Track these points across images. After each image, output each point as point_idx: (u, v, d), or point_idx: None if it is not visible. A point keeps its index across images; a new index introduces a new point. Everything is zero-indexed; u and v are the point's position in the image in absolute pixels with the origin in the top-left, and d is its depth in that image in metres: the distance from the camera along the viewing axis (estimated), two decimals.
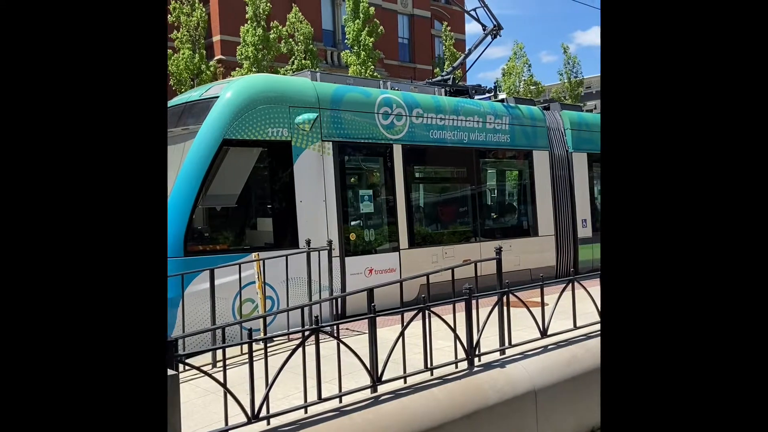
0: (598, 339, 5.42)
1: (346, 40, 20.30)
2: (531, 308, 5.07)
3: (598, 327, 5.61)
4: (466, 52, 12.72)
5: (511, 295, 5.00)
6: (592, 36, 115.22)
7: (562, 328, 5.37)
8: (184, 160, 6.65)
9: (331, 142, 7.66)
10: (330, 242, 6.61)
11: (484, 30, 11.49)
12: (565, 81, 34.18)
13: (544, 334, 5.16)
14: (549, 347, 5.11)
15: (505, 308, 4.97)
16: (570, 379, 4.87)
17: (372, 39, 19.02)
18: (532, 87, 30.94)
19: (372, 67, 19.27)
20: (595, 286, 5.76)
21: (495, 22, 11.34)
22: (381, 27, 19.70)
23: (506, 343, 4.97)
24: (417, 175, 9.43)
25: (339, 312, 7.24)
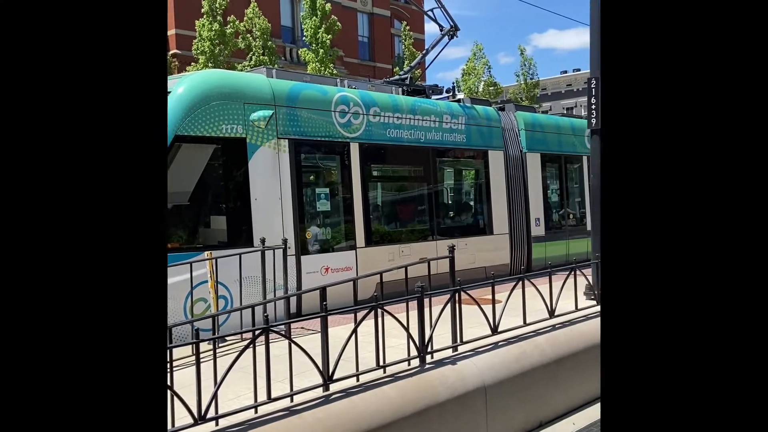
0: (547, 335, 5.57)
1: (304, 37, 20.16)
2: (483, 305, 5.16)
3: (546, 323, 5.75)
4: (423, 52, 12.81)
5: (463, 293, 5.07)
6: (548, 39, 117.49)
7: (512, 324, 5.47)
8: None
9: (287, 140, 7.61)
10: (285, 241, 6.57)
11: (441, 30, 11.59)
12: (522, 82, 34.79)
13: (494, 330, 5.26)
14: (499, 344, 5.20)
15: (457, 306, 5.04)
16: (519, 375, 4.98)
17: (330, 36, 18.94)
18: (491, 88, 31.34)
19: (331, 65, 19.20)
20: (544, 284, 5.90)
21: (452, 23, 11.45)
22: (338, 24, 19.63)
23: (458, 340, 5.04)
24: (374, 173, 9.46)
25: (296, 311, 7.21)
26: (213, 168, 7.47)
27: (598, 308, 6.56)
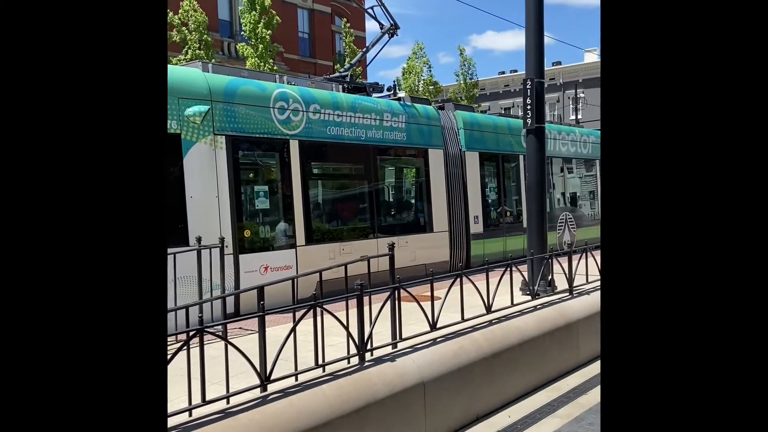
0: (484, 330, 5.68)
1: (243, 32, 19.76)
2: (422, 302, 5.20)
3: (483, 319, 5.87)
4: (364, 50, 12.80)
5: (403, 290, 5.10)
6: (487, 40, 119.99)
7: (451, 321, 5.55)
8: None
9: (224, 136, 7.44)
10: (222, 239, 6.42)
11: (381, 29, 11.63)
12: (461, 82, 35.37)
13: (433, 327, 5.32)
14: (438, 340, 5.27)
15: (396, 303, 5.07)
16: (457, 370, 5.06)
17: (269, 32, 18.64)
18: (431, 87, 31.68)
19: (271, 60, 18.90)
20: (481, 281, 6.02)
21: (392, 22, 11.50)
22: (278, 19, 19.34)
23: (397, 338, 5.07)
24: (314, 171, 9.39)
25: (234, 311, 7.07)
26: None
27: (533, 303, 6.75)
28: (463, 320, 5.66)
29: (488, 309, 5.98)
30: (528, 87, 8.10)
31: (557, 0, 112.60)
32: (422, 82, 28.77)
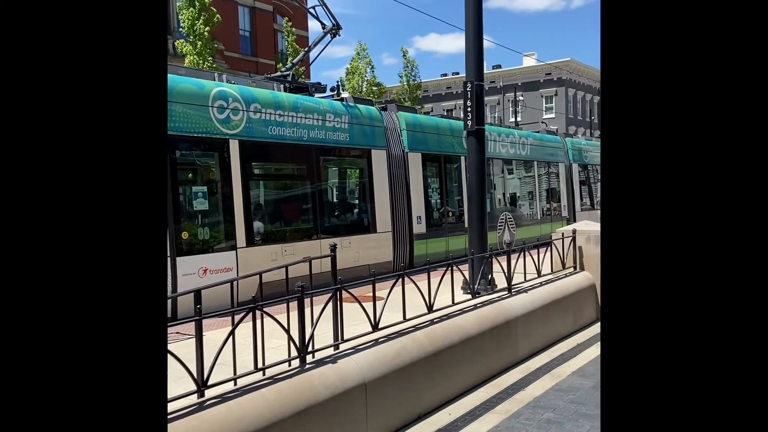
0: (425, 330, 5.73)
1: (181, 29, 19.24)
2: (364, 303, 5.20)
3: (425, 318, 5.93)
4: (306, 49, 12.70)
5: (345, 291, 5.09)
6: (430, 42, 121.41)
7: (393, 320, 5.58)
8: None
9: None
10: None
11: (323, 29, 11.57)
12: (405, 83, 35.66)
13: (375, 327, 5.33)
14: (380, 340, 5.28)
15: (338, 304, 5.05)
16: (398, 370, 5.09)
17: (208, 29, 18.23)
18: (374, 88, 31.77)
19: (210, 58, 18.49)
20: (423, 281, 6.08)
21: (334, 22, 11.47)
22: (218, 16, 18.94)
23: (339, 339, 5.05)
24: (255, 171, 9.24)
25: (171, 315, 6.86)
26: None
27: (473, 302, 6.87)
28: (405, 320, 5.70)
29: (430, 308, 6.05)
30: (468, 89, 8.24)
31: (497, 4, 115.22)
32: (366, 82, 28.84)
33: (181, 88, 7.63)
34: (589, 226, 9.48)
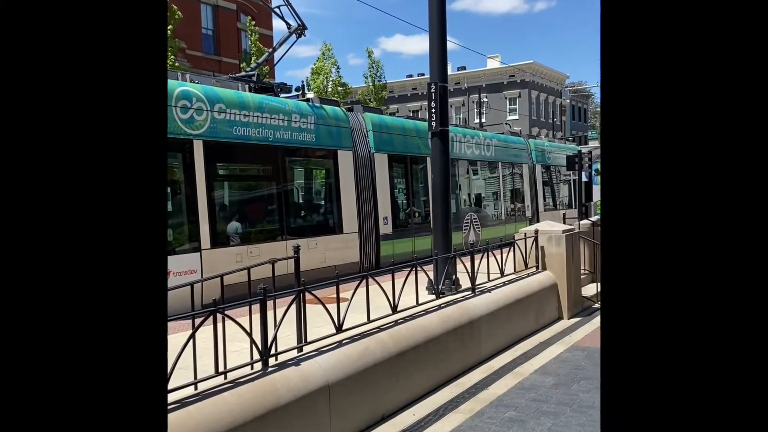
0: (389, 331, 5.75)
1: None
2: (328, 305, 5.19)
3: (389, 319, 5.95)
4: (270, 49, 12.60)
5: (308, 293, 5.07)
6: (395, 43, 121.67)
7: (357, 322, 5.58)
8: None
9: None
10: None
11: (288, 28, 11.50)
12: (370, 84, 35.69)
13: (339, 329, 5.32)
14: (344, 342, 5.28)
15: (302, 306, 5.02)
16: (362, 371, 5.09)
17: (170, 26, 17.92)
18: (340, 88, 31.69)
19: (173, 57, 18.18)
20: (388, 281, 6.10)
21: (299, 22, 11.41)
22: (179, 14, 18.64)
23: (303, 341, 5.03)
24: (220, 172, 9.13)
25: None
26: None
27: (437, 302, 6.92)
28: (369, 321, 5.71)
29: (394, 309, 6.07)
30: (432, 91, 8.30)
31: (462, 6, 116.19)
32: (331, 83, 28.77)
33: None
34: (551, 227, 9.65)
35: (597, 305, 9.84)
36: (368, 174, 11.35)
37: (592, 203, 16.16)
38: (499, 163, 17.04)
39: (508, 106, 51.55)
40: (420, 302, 6.56)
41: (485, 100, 43.92)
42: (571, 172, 19.44)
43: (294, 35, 11.52)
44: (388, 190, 11.91)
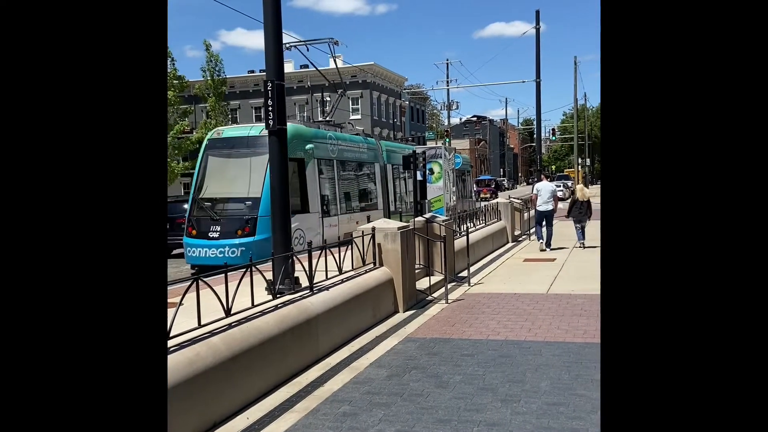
0: (222, 335, 5.57)
1: None
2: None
3: (222, 322, 5.75)
4: None
5: None
6: (236, 37, 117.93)
7: (187, 327, 5.33)
8: None
9: None
10: None
11: None
12: (209, 78, 34.25)
13: (166, 336, 5.03)
14: (172, 349, 5.00)
15: None
16: (192, 378, 4.87)
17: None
18: (175, 81, 30.04)
19: None
20: (221, 285, 5.90)
21: None
22: None
23: None
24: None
25: None
26: None
27: (274, 302, 6.84)
28: (200, 326, 5.48)
29: (227, 312, 5.89)
30: (269, 88, 8.17)
31: (302, 4, 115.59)
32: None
33: None
34: (387, 224, 10.00)
35: (429, 297, 10.41)
36: (385, 176, 19.59)
37: (426, 201, 17.18)
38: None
39: (351, 106, 52.52)
40: (256, 303, 6.44)
41: (328, 99, 44.30)
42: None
43: None
44: (392, 186, 20.22)
